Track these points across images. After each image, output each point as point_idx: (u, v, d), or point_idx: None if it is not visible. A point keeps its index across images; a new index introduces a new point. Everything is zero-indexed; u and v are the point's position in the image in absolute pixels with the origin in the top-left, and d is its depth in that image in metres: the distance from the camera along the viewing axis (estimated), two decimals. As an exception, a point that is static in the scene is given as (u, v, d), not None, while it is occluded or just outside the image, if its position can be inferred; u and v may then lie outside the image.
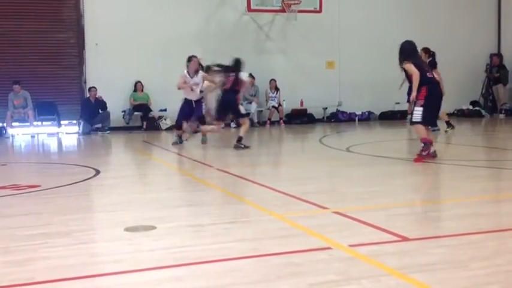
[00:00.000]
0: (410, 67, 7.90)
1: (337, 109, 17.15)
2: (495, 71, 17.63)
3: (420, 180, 7.03)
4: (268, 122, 16.14)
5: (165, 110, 15.14)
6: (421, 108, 7.87)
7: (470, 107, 17.60)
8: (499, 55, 18.02)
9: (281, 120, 16.21)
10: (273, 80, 16.32)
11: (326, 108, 17.04)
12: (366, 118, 17.09)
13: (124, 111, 15.19)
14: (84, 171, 7.76)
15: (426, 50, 11.98)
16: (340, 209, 4.99)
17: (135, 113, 15.22)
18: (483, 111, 17.36)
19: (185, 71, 10.78)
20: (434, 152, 7.99)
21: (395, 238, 4.06)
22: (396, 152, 9.67)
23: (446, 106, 17.81)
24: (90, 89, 14.72)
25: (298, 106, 16.74)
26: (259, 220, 4.80)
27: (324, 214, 4.95)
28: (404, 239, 4.04)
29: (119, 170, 8.59)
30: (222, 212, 5.18)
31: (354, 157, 9.10)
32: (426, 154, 7.91)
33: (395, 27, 17.11)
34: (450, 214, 5.00)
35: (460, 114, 17.37)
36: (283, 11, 15.59)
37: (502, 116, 16.98)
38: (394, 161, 8.37)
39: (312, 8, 15.62)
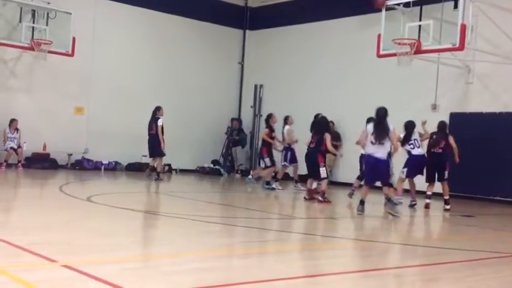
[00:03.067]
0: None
1: (82, 156, 16.61)
2: (235, 134, 19.12)
3: (157, 234, 7.11)
4: (5, 164, 14.82)
5: None
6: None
7: (211, 166, 18.63)
8: (239, 120, 19.64)
9: (19, 163, 15.04)
10: (14, 120, 15.14)
11: (71, 154, 16.38)
12: (113, 168, 16.86)
13: None
14: None
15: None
16: (70, 262, 4.72)
17: None
18: (222, 170, 18.49)
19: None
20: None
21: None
22: (138, 204, 9.67)
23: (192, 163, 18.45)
24: None
25: (40, 150, 15.78)
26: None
27: (51, 267, 4.63)
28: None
29: None
30: None
31: (94, 207, 8.82)
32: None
33: (149, 83, 17.53)
34: (183, 269, 5.11)
35: (202, 172, 18.30)
36: (31, 49, 14.73)
37: (238, 175, 18.31)
38: (135, 214, 8.34)
39: (63, 51, 15.07)
